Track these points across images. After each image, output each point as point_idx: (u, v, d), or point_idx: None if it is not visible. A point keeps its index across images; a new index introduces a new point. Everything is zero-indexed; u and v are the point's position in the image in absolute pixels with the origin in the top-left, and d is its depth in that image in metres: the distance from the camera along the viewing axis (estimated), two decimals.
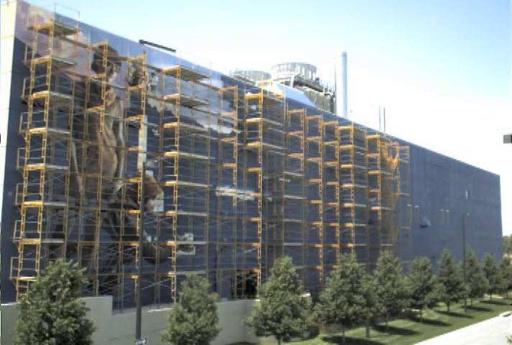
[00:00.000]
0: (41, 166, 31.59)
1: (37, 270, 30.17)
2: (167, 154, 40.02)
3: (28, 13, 33.29)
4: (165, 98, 40.82)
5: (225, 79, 47.39)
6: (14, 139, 31.95)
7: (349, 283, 43.87)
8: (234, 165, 45.65)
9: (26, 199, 31.76)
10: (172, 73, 41.12)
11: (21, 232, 31.32)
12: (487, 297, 75.98)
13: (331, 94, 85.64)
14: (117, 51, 38.16)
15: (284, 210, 49.32)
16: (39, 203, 31.38)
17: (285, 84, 72.14)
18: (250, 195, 47.44)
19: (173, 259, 38.50)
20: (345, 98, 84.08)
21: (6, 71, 32.52)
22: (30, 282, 29.21)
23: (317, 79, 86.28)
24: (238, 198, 46.19)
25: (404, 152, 69.62)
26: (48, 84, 32.27)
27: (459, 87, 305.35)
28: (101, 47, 36.52)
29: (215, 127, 45.06)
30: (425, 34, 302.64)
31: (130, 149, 38.29)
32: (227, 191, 45.31)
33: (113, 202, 37.05)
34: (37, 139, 32.26)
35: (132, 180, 38.08)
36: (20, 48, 32.79)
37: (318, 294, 47.52)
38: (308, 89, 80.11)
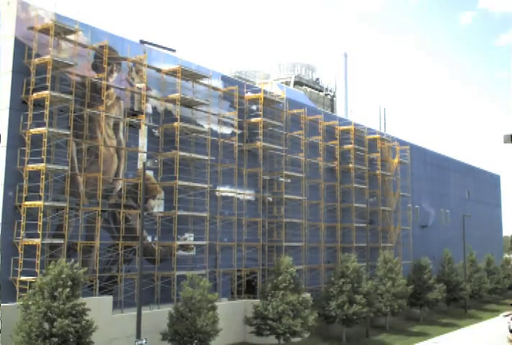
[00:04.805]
0: (41, 166, 31.58)
1: (37, 270, 30.17)
2: (167, 154, 40.04)
3: (28, 13, 33.27)
4: (166, 98, 40.84)
5: (225, 79, 47.41)
6: (14, 139, 31.93)
7: (349, 283, 43.92)
8: (234, 165, 45.66)
9: (27, 199, 31.74)
10: (172, 73, 41.13)
11: (22, 232, 31.31)
12: (487, 297, 75.95)
13: (332, 94, 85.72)
14: (117, 51, 38.15)
15: (284, 210, 49.29)
16: (39, 203, 31.38)
17: (286, 84, 72.13)
18: (250, 195, 47.44)
19: (173, 259, 38.57)
20: (346, 98, 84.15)
21: (6, 71, 32.49)
22: (30, 282, 29.23)
23: (317, 79, 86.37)
24: (238, 198, 46.19)
25: (404, 152, 69.58)
26: (48, 84, 32.25)
27: (460, 87, 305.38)
28: (101, 47, 36.50)
29: (215, 127, 45.05)
30: (425, 34, 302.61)
31: (130, 149, 38.32)
32: (227, 191, 45.30)
33: (114, 202, 37.05)
34: (37, 139, 32.25)
35: (132, 180, 38.09)
36: (20, 48, 32.76)
37: (319, 294, 47.57)
38: (309, 89, 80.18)
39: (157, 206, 39.85)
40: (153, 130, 40.27)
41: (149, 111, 40.02)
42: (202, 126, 43.48)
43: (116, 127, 37.74)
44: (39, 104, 32.59)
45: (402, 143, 70.30)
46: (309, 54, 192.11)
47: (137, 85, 39.15)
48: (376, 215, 62.88)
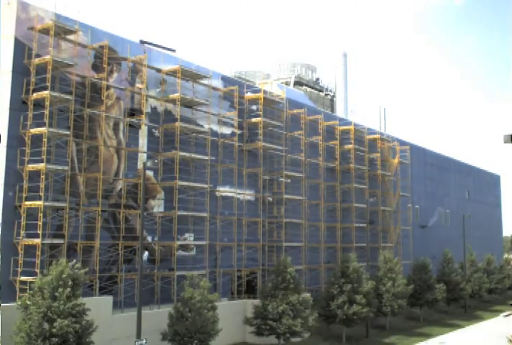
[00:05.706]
0: (41, 166, 31.58)
1: (38, 270, 30.17)
2: (167, 154, 40.03)
3: (28, 13, 33.28)
4: (166, 98, 40.83)
5: (225, 79, 47.41)
6: (15, 139, 31.93)
7: (349, 283, 43.91)
8: (234, 165, 45.66)
9: (27, 199, 31.74)
10: (172, 73, 41.13)
11: (22, 232, 31.31)
12: (487, 297, 75.94)
13: (332, 94, 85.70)
14: (117, 51, 38.16)
15: (284, 210, 49.29)
16: (39, 203, 31.37)
17: (286, 84, 72.13)
18: (250, 195, 47.43)
19: (173, 259, 38.57)
20: (345, 98, 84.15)
21: (6, 71, 32.48)
22: (30, 283, 29.23)
23: (317, 79, 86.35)
24: (238, 198, 46.19)
25: (404, 152, 69.58)
26: (48, 84, 32.24)
27: (460, 87, 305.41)
28: (101, 47, 36.49)
29: (215, 127, 45.06)
30: (425, 34, 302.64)
31: (130, 149, 38.31)
32: (227, 191, 45.30)
33: (114, 202, 37.04)
34: (37, 139, 32.24)
35: (132, 180, 38.08)
36: (20, 48, 32.76)
37: (319, 294, 47.55)
38: (309, 89, 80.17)
39: (157, 206, 39.85)
40: (153, 130, 40.27)
41: (149, 110, 40.06)
42: (202, 126, 43.48)
43: (116, 127, 37.74)
44: (39, 104, 32.59)
45: (402, 143, 70.31)
46: (309, 54, 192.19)
47: (137, 85, 39.16)
48: (376, 215, 62.88)
